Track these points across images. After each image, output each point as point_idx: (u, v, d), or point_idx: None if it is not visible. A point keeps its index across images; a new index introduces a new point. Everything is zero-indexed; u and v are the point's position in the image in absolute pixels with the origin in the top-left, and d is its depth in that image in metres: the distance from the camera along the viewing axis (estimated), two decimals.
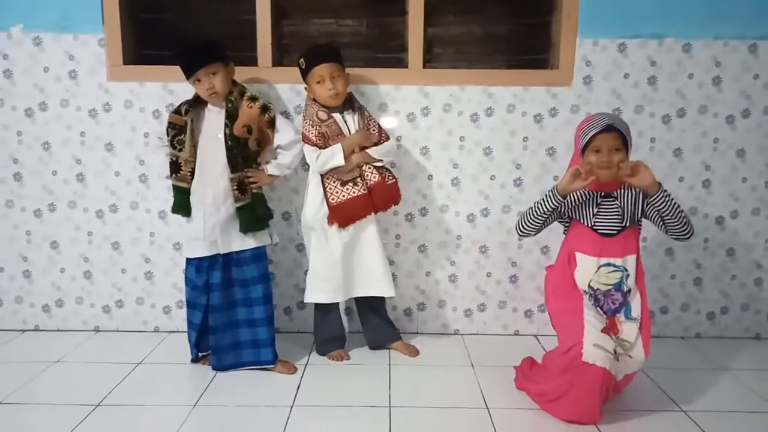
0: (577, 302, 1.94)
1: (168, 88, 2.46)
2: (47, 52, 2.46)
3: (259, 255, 2.20)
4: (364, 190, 2.22)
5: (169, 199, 2.27)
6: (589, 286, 1.95)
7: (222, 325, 2.19)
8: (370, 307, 2.40)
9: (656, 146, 2.52)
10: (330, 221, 2.24)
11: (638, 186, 1.87)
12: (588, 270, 1.94)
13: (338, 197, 2.21)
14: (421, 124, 2.52)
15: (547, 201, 1.93)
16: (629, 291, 1.94)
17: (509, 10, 2.64)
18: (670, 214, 1.86)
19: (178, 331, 2.57)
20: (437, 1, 2.53)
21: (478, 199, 2.56)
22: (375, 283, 2.30)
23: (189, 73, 2.10)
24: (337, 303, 2.38)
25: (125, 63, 2.48)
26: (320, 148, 2.22)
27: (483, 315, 2.63)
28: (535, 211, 1.96)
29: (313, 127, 2.23)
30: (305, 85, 2.30)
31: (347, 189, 2.22)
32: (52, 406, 1.98)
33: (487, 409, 1.98)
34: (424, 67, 2.52)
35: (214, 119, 2.16)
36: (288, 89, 2.49)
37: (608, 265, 1.92)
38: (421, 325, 2.62)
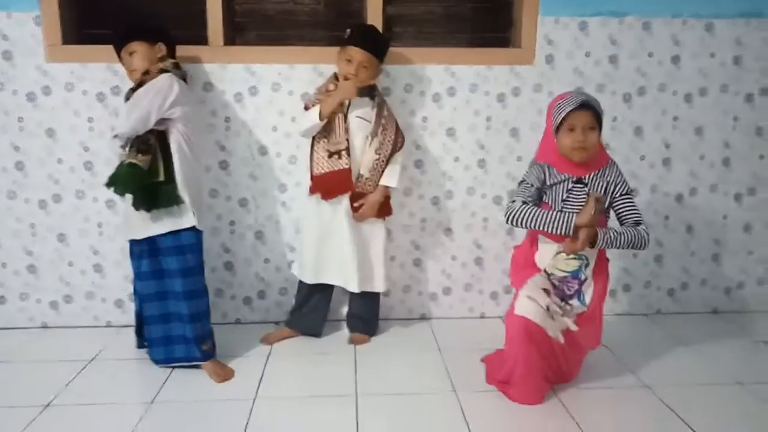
0: (533, 272, 1.92)
1: (113, 69, 2.30)
2: None
3: (179, 246, 2.01)
4: (346, 164, 2.17)
5: None
6: (545, 271, 1.91)
7: (153, 316, 2.07)
8: (354, 296, 2.35)
9: (617, 125, 2.51)
10: (311, 191, 2.23)
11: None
12: (547, 255, 1.90)
13: (321, 168, 2.18)
14: None
15: (557, 226, 1.79)
16: (586, 279, 1.90)
17: None
18: (619, 243, 1.83)
19: (131, 325, 2.43)
20: None
21: (441, 181, 2.52)
22: (344, 275, 2.24)
23: (117, 52, 2.06)
24: (316, 289, 2.32)
25: (65, 42, 2.32)
26: None
27: (449, 298, 2.61)
28: (537, 224, 1.81)
29: (315, 96, 2.21)
30: (337, 52, 2.20)
31: (332, 161, 2.17)
32: (1, 407, 1.86)
33: (455, 392, 1.95)
34: None
35: None
36: (242, 69, 2.38)
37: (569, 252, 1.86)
38: (387, 310, 2.57)
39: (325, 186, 2.19)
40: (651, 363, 2.16)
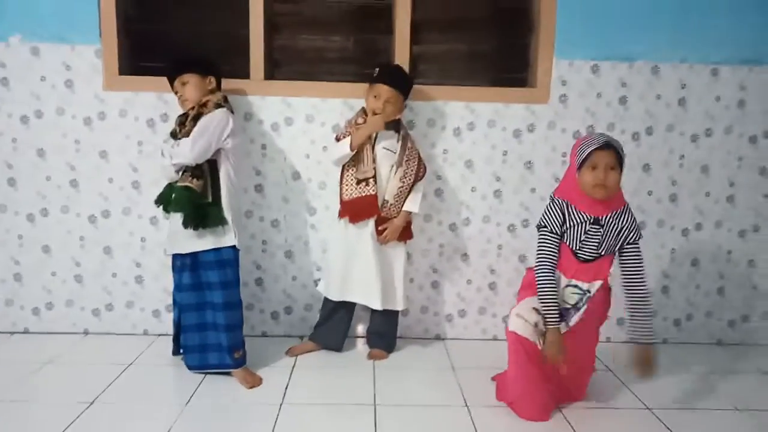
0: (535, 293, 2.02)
1: (163, 98, 2.53)
2: (44, 61, 2.52)
3: (220, 261, 2.20)
4: (373, 191, 2.35)
5: None
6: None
7: (191, 325, 2.25)
8: (375, 313, 2.52)
9: (627, 162, 2.60)
10: (341, 215, 2.42)
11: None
12: (559, 284, 2.00)
13: (350, 194, 2.37)
14: None
15: (547, 316, 1.95)
16: (581, 308, 2.00)
17: (491, 31, 2.78)
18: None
19: (166, 335, 2.61)
20: (422, 19, 2.66)
21: (459, 209, 2.68)
22: (368, 293, 2.40)
23: (170, 82, 2.28)
24: (340, 306, 2.48)
25: (121, 73, 2.56)
26: None
27: (463, 320, 2.75)
28: (541, 300, 1.97)
29: (346, 128, 2.42)
30: (366, 88, 2.40)
31: (360, 188, 2.36)
32: (48, 405, 2.03)
33: (467, 407, 2.09)
34: None
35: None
36: (279, 101, 2.59)
37: (575, 286, 1.99)
38: (405, 329, 2.71)
39: (353, 210, 2.37)
40: (655, 388, 2.26)
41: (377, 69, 2.40)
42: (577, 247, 1.98)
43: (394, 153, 2.40)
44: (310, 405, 2.08)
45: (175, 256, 2.26)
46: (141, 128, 2.57)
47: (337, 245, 2.45)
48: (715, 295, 2.77)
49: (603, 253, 1.98)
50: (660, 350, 2.64)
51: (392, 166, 2.40)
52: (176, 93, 2.28)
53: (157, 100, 2.55)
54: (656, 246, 2.72)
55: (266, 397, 2.12)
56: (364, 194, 2.35)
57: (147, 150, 2.57)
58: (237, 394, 2.15)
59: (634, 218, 2.02)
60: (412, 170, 2.41)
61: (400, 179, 2.39)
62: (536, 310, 1.97)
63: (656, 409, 2.11)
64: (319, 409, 2.05)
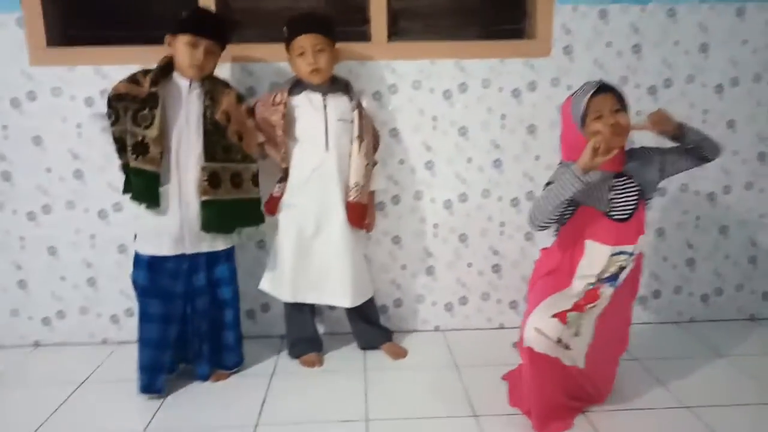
0: (558, 286, 1.73)
1: (102, 72, 2.19)
2: None
3: (231, 254, 2.05)
4: (278, 192, 2.12)
5: (110, 196, 2.13)
6: (598, 277, 1.72)
7: (205, 331, 2.01)
8: (352, 311, 2.22)
9: (642, 119, 2.35)
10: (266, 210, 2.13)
11: (667, 133, 1.71)
12: (600, 259, 1.71)
13: (275, 190, 2.13)
14: (389, 103, 2.32)
15: (567, 185, 1.61)
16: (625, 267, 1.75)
17: None
18: (702, 138, 1.72)
19: (128, 342, 2.30)
20: None
21: (454, 183, 2.38)
22: (330, 290, 2.10)
23: (191, 30, 1.87)
24: (304, 307, 2.20)
25: (50, 45, 2.20)
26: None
27: (465, 309, 2.47)
28: (553, 200, 1.65)
29: (260, 104, 2.09)
30: (288, 57, 2.09)
31: (280, 186, 2.12)
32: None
33: (476, 417, 1.79)
34: (390, 40, 2.31)
35: (185, 98, 1.91)
36: (239, 69, 2.26)
37: (621, 253, 1.70)
38: (399, 322, 2.44)
39: (273, 209, 2.14)
40: (689, 379, 1.99)
41: (285, 27, 2.06)
42: (609, 207, 1.69)
43: (350, 122, 2.09)
44: (289, 425, 1.77)
45: (177, 258, 1.91)
46: (79, 108, 2.22)
47: (288, 237, 2.10)
48: (746, 265, 2.49)
49: (645, 198, 1.73)
50: (687, 330, 2.41)
51: (352, 141, 2.08)
52: (190, 45, 1.87)
53: (95, 75, 2.20)
54: (678, 213, 2.44)
55: (240, 417, 1.82)
56: (280, 195, 2.12)
57: (87, 134, 2.23)
58: (206, 414, 1.84)
59: (643, 146, 1.81)
60: (371, 143, 2.12)
61: (365, 155, 2.08)
62: (558, 317, 1.64)
63: (697, 408, 1.81)
64: (301, 429, 1.75)
